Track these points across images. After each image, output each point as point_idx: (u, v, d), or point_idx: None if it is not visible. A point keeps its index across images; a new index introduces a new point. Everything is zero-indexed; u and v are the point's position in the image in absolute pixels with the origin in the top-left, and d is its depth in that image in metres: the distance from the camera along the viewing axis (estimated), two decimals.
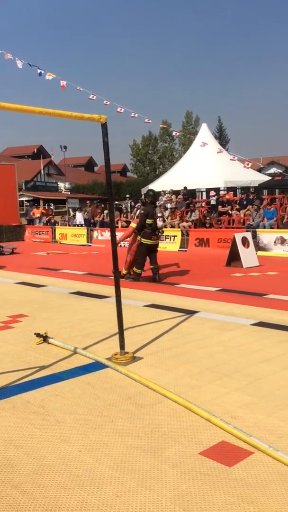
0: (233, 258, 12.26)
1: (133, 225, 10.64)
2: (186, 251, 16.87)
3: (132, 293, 8.71)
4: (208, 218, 18.25)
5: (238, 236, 12.38)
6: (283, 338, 5.62)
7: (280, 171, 29.24)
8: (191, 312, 7.09)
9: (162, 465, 2.94)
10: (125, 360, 4.87)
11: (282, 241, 14.72)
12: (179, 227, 18.41)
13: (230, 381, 4.30)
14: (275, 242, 14.92)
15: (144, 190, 27.28)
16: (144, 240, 10.17)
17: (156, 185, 26.76)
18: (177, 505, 2.54)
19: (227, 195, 21.32)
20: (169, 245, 17.80)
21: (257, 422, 3.46)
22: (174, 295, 8.60)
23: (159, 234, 10.57)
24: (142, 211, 10.47)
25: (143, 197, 11.86)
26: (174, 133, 29.23)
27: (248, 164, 21.46)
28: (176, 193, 22.19)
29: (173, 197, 21.65)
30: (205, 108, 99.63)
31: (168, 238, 18.02)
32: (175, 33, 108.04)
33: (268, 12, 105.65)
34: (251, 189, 23.62)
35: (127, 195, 27.15)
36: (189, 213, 19.24)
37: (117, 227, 21.30)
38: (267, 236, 15.26)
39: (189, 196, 21.89)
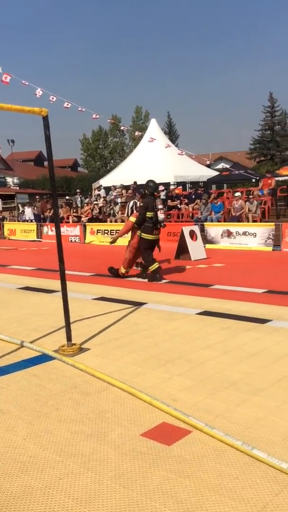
0: (182, 251, 12.53)
1: (132, 219, 9.84)
2: None
3: (80, 286, 8.75)
4: None
5: (186, 230, 12.65)
6: (225, 325, 5.86)
7: (227, 166, 29.90)
8: (139, 304, 7.23)
9: (104, 447, 3.06)
10: (72, 351, 4.93)
11: (229, 234, 15.17)
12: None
13: (173, 367, 4.46)
14: (222, 235, 15.35)
15: (95, 185, 27.27)
16: (145, 235, 9.47)
17: (107, 180, 26.79)
18: (118, 483, 2.66)
19: (176, 190, 21.66)
20: (119, 239, 17.87)
21: (196, 403, 3.64)
22: (123, 288, 8.72)
23: (161, 227, 9.75)
24: (141, 204, 9.72)
25: (137, 189, 11.27)
26: (122, 128, 29.25)
27: (194, 158, 21.85)
28: (126, 187, 22.30)
29: (124, 191, 21.75)
30: (155, 104, 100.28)
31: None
32: (122, 27, 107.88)
33: (215, 7, 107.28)
34: (200, 184, 24.08)
35: (78, 190, 26.96)
36: None
37: (68, 222, 21.20)
38: (214, 229, 15.67)
39: (140, 190, 22.05)
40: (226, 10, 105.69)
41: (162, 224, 9.65)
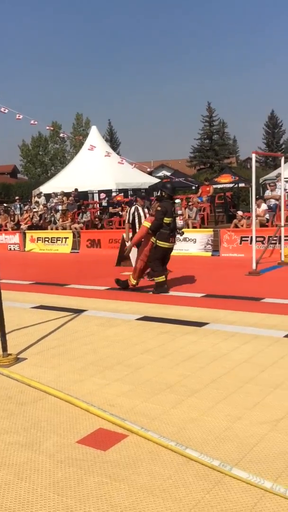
0: (123, 257, 12.58)
1: (147, 224, 8.73)
2: (78, 252, 16.93)
3: (19, 295, 8.58)
4: (98, 219, 18.50)
5: None
6: (163, 330, 5.95)
7: (168, 174, 30.43)
8: (79, 311, 7.19)
9: (39, 456, 3.02)
10: (7, 362, 4.83)
11: None
12: (70, 229, 18.40)
13: (111, 373, 4.48)
14: None
15: (35, 192, 26.81)
16: (160, 243, 8.49)
17: (47, 187, 26.43)
18: (52, 491, 2.64)
19: (117, 197, 21.75)
20: (61, 247, 17.73)
21: (133, 408, 3.67)
22: (63, 296, 8.64)
23: (177, 235, 8.95)
24: (158, 208, 8.56)
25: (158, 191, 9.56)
26: (62, 135, 29.06)
27: (135, 165, 22.09)
28: (67, 195, 22.13)
29: (64, 198, 21.56)
30: (96, 111, 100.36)
31: (59, 240, 17.94)
32: (63, 32, 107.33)
33: (156, 14, 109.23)
34: (141, 191, 24.33)
35: (17, 197, 26.42)
36: (81, 214, 19.30)
37: (6, 229, 20.72)
38: None
39: (81, 197, 21.96)
40: (169, 18, 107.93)
41: (181, 231, 8.87)
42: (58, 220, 19.58)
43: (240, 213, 16.03)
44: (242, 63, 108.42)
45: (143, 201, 10.60)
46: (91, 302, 7.92)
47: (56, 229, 19.17)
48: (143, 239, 8.81)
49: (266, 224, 14.81)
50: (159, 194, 9.14)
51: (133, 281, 8.81)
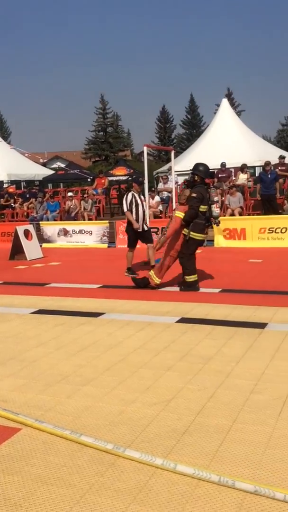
0: (17, 251, 12.23)
1: (180, 214, 7.49)
2: None
3: None
4: None
5: (20, 229, 12.39)
6: (59, 322, 5.92)
7: (63, 165, 29.98)
8: None
9: None
10: None
11: (65, 232, 15.26)
12: None
13: (4, 368, 4.36)
14: (58, 233, 15.38)
15: None
16: (194, 235, 7.44)
17: None
18: None
19: (10, 188, 21.00)
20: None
21: (28, 401, 3.62)
22: None
23: (213, 225, 7.89)
24: (194, 195, 7.42)
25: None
26: None
27: (28, 156, 21.47)
28: None
29: None
30: None
31: None
32: None
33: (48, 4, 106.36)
34: (35, 183, 23.73)
35: None
36: None
37: None
38: (50, 228, 15.62)
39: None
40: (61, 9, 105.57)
41: (217, 220, 7.92)
42: None
43: None
44: (135, 58, 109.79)
45: (140, 187, 9.64)
46: None
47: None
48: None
49: (160, 215, 15.28)
50: (189, 178, 7.95)
51: (156, 280, 7.65)
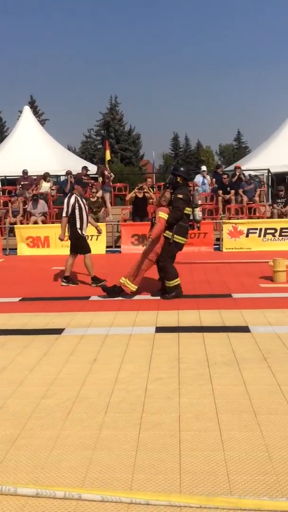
0: None
1: (163, 215, 7.03)
2: None
3: None
4: None
5: None
6: None
7: None
8: None
9: None
10: None
11: None
12: None
13: None
14: None
15: None
16: (178, 238, 7.10)
17: None
18: None
19: None
20: None
21: None
22: None
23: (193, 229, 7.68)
24: (180, 196, 7.05)
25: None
26: None
27: None
28: None
29: None
30: None
31: None
32: None
33: None
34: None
35: None
36: None
37: None
38: None
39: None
40: None
41: (199, 225, 7.67)
42: None
43: None
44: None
45: (83, 190, 8.70)
46: None
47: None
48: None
49: None
50: (169, 180, 7.56)
51: (132, 287, 7.10)
